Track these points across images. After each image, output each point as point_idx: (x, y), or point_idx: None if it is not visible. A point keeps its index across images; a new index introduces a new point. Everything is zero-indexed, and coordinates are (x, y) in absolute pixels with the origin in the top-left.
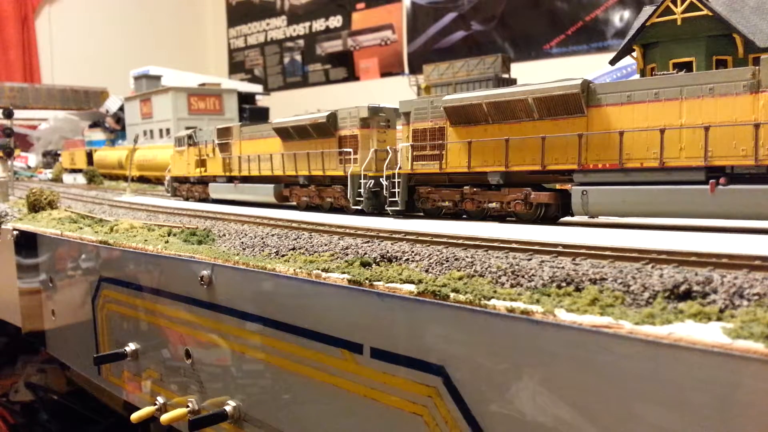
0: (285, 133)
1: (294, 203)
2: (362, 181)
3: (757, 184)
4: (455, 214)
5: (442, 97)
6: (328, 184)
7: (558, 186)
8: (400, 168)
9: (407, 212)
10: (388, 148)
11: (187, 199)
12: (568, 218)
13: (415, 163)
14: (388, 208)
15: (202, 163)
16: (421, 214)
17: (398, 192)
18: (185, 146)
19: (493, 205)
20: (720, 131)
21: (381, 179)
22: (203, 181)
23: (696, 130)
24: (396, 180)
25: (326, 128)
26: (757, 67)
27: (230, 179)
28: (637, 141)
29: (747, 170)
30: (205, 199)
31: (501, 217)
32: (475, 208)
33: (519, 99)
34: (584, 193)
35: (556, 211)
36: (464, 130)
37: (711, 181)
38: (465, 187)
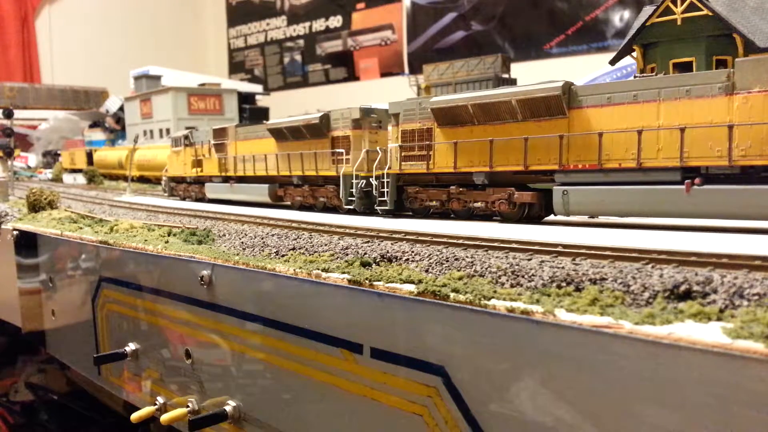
0: (279, 134)
1: (288, 203)
2: (354, 181)
3: (731, 185)
4: (443, 214)
5: (430, 99)
6: (321, 184)
7: (542, 186)
8: (389, 168)
9: (396, 212)
10: (378, 148)
11: (184, 199)
12: (568, 219)
13: (403, 163)
14: (377, 208)
15: (198, 163)
16: (410, 213)
17: (387, 192)
18: (182, 146)
19: (479, 204)
20: (696, 132)
21: (371, 179)
22: (200, 181)
23: (673, 132)
24: (385, 180)
25: (319, 129)
26: (731, 70)
27: (226, 179)
28: (616, 142)
29: (721, 171)
30: (202, 199)
31: (487, 216)
32: (462, 207)
33: (503, 101)
34: (565, 193)
35: (539, 211)
36: (451, 131)
37: (686, 181)
38: (451, 187)
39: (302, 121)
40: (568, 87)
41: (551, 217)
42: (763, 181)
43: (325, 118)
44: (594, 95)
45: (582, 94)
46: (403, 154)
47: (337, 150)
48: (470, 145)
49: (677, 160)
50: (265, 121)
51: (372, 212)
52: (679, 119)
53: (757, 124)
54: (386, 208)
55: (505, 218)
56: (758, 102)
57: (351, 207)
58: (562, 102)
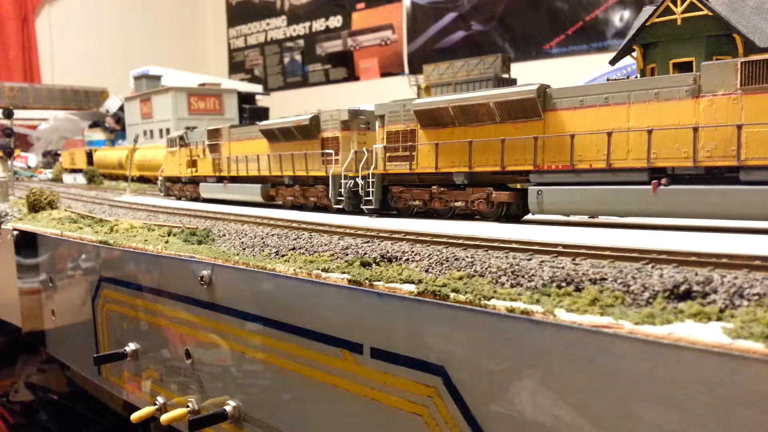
0: (271, 135)
1: (280, 202)
2: (343, 181)
3: (696, 185)
4: (426, 213)
5: (413, 101)
6: (311, 184)
7: (519, 186)
8: (374, 168)
9: (382, 211)
10: (364, 149)
11: (179, 199)
12: (568, 219)
13: (388, 163)
14: (363, 207)
15: (193, 163)
16: (395, 212)
17: (372, 191)
18: (177, 147)
19: (459, 204)
20: (664, 134)
21: (358, 179)
22: (194, 181)
23: (642, 133)
24: (370, 180)
25: (309, 130)
26: (697, 73)
27: (220, 179)
28: (587, 143)
29: (686, 171)
30: (196, 198)
31: (467, 215)
32: (443, 206)
33: (481, 103)
34: (539, 192)
35: (517, 210)
36: (433, 132)
37: (653, 181)
38: (433, 187)
39: (293, 122)
40: (543, 90)
41: (550, 217)
42: (726, 182)
43: (315, 120)
44: (567, 98)
45: (556, 97)
46: (387, 154)
47: (327, 151)
48: (451, 146)
49: (645, 161)
50: (257, 122)
51: (361, 212)
52: (648, 121)
53: (720, 126)
54: (372, 207)
55: (485, 217)
56: (722, 105)
57: (340, 207)
58: (537, 104)
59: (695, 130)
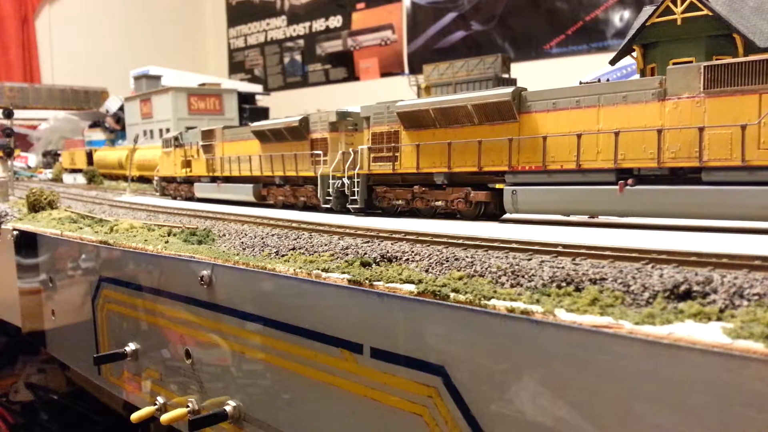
0: (263, 136)
1: (271, 202)
2: (331, 181)
3: (660, 185)
4: (410, 212)
5: (396, 103)
6: (301, 184)
7: (497, 186)
8: (359, 168)
9: (368, 210)
10: (351, 150)
11: (174, 198)
12: (569, 219)
13: (373, 164)
14: (349, 206)
15: (187, 163)
16: (380, 212)
17: (357, 191)
18: (172, 147)
19: (439, 203)
20: (631, 136)
21: (344, 179)
22: (189, 181)
23: (610, 135)
24: (356, 180)
25: (299, 131)
26: (663, 77)
27: (213, 179)
28: (559, 145)
29: (652, 172)
30: (191, 198)
31: (448, 215)
32: (425, 206)
33: (460, 105)
34: (514, 192)
35: (495, 209)
36: (415, 133)
37: (620, 182)
38: (415, 187)
39: (283, 123)
40: (518, 93)
41: (550, 217)
42: (689, 182)
43: (305, 121)
44: (541, 101)
45: (531, 100)
46: (372, 155)
47: (316, 152)
48: (432, 147)
49: (613, 162)
50: (249, 123)
51: (348, 211)
52: (617, 124)
53: (684, 128)
54: (357, 206)
55: (464, 216)
56: (687, 107)
57: (328, 206)
58: (513, 107)
59: (660, 132)
